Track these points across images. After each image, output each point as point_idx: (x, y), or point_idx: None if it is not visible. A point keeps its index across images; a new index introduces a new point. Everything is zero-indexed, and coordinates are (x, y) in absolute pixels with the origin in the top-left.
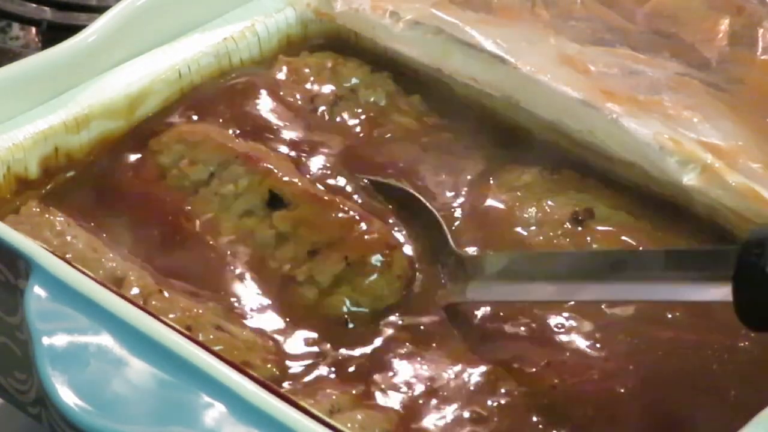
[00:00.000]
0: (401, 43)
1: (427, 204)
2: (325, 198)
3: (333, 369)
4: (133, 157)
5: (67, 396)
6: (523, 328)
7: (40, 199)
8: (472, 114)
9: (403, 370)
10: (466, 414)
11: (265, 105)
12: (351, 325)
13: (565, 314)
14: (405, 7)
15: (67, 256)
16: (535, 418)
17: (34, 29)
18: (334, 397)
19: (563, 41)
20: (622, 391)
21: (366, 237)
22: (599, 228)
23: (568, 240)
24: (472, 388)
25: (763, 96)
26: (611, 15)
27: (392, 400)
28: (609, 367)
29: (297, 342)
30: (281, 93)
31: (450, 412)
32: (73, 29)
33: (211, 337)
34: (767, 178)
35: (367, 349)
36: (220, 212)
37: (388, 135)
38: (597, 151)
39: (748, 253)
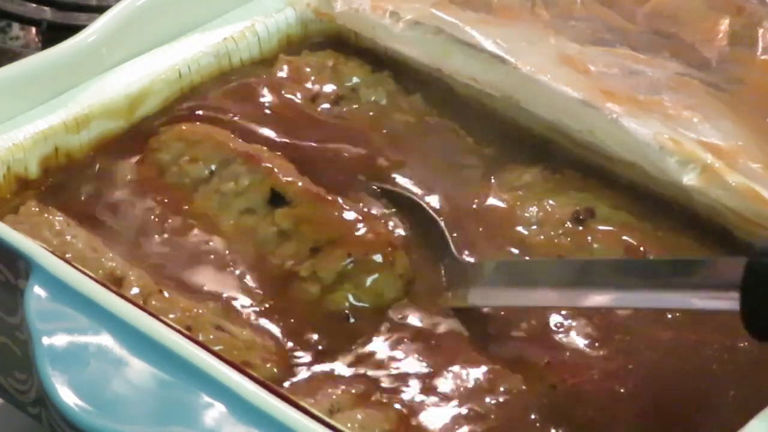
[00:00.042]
0: (401, 43)
1: (430, 210)
2: (328, 198)
3: (333, 368)
4: (133, 156)
5: (67, 396)
6: (523, 328)
7: (40, 199)
8: (472, 113)
9: (403, 369)
10: (466, 413)
11: (265, 104)
12: (352, 320)
13: (565, 314)
14: (405, 7)
15: (67, 255)
16: (534, 417)
17: (34, 29)
18: (334, 396)
19: (563, 41)
20: (622, 391)
21: (369, 236)
22: (600, 228)
23: (569, 239)
24: (471, 387)
25: (763, 96)
26: (611, 15)
27: (392, 400)
28: (609, 367)
29: (297, 341)
30: (282, 92)
31: (450, 411)
32: (73, 29)
33: (211, 337)
34: (767, 178)
35: (368, 349)
36: (221, 210)
37: (389, 134)
38: (597, 151)
39: (756, 263)
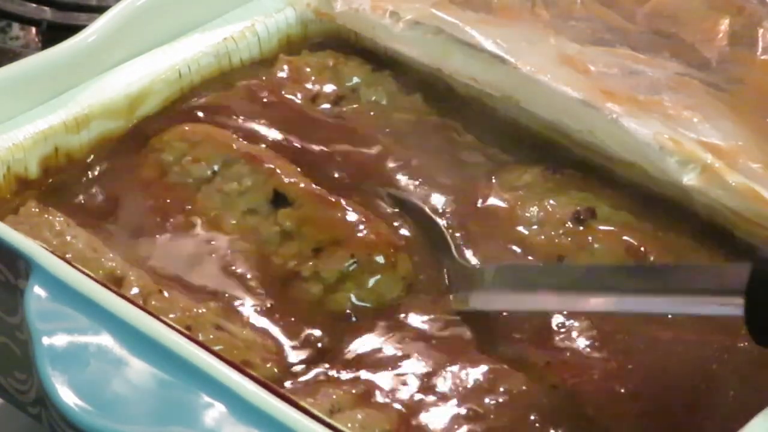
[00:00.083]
0: (401, 43)
1: (431, 214)
2: (331, 199)
3: (333, 368)
4: (134, 156)
5: (67, 396)
6: (523, 329)
7: (40, 199)
8: (472, 113)
9: (404, 369)
10: (467, 413)
11: (266, 105)
12: (354, 319)
13: (566, 315)
14: (405, 7)
15: (67, 255)
16: (534, 418)
17: (34, 29)
18: (334, 396)
19: (563, 41)
20: (622, 391)
21: (372, 237)
22: (601, 227)
23: (569, 239)
24: (472, 387)
25: (763, 96)
26: (611, 15)
27: (393, 400)
28: (609, 367)
29: (298, 341)
30: (282, 92)
31: (450, 411)
32: (73, 29)
33: (211, 336)
34: (767, 178)
35: (368, 348)
36: (223, 210)
37: (389, 134)
38: (597, 151)
39: (761, 269)
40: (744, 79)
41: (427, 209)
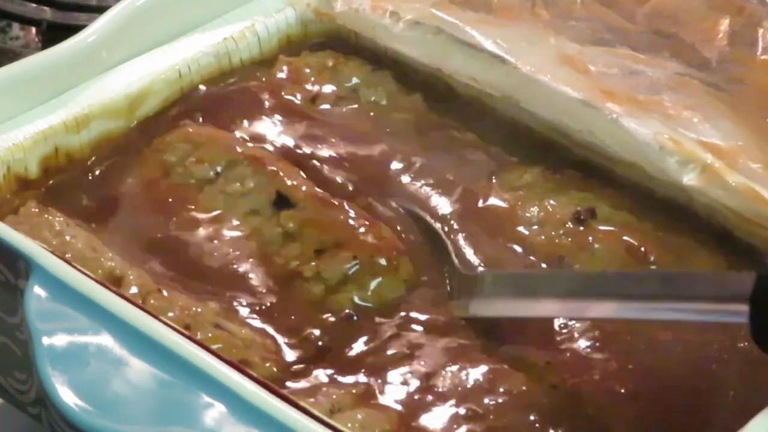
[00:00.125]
0: (401, 43)
1: (433, 223)
2: (334, 202)
3: (334, 368)
4: (135, 157)
5: (67, 396)
6: (523, 329)
7: (40, 199)
8: (472, 113)
9: (404, 369)
10: (466, 413)
11: (266, 106)
12: (355, 319)
13: None
14: (405, 7)
15: (67, 255)
16: (534, 418)
17: (34, 29)
18: (334, 396)
19: (563, 41)
20: (623, 391)
21: (374, 240)
22: (601, 228)
23: (570, 240)
24: (472, 387)
25: (763, 96)
26: (611, 15)
27: (393, 400)
28: (609, 367)
29: (298, 341)
30: (282, 93)
31: (450, 411)
32: (73, 29)
33: (210, 335)
34: (767, 178)
35: (369, 348)
36: (225, 210)
37: (390, 134)
38: (597, 151)
39: (766, 277)
40: (744, 79)
41: (428, 217)
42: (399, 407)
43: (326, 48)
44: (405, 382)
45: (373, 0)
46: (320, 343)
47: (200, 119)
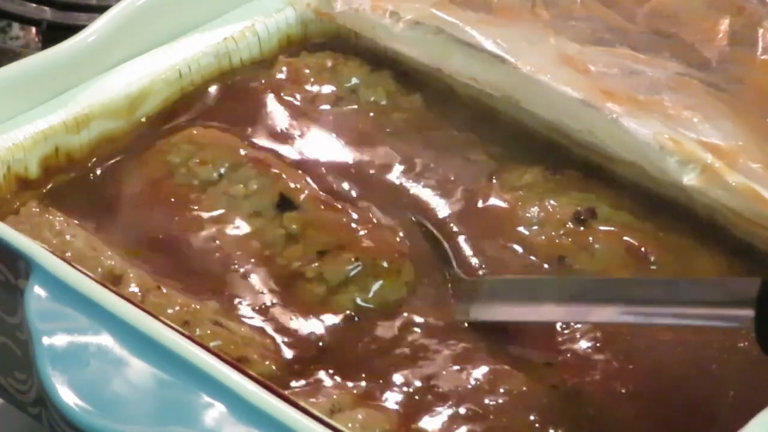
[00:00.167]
0: (401, 43)
1: (432, 229)
2: (337, 205)
3: (334, 368)
4: (136, 157)
5: (67, 396)
6: (524, 329)
7: (40, 200)
8: (472, 113)
9: (404, 369)
10: (467, 413)
11: (266, 108)
12: (356, 319)
13: None
14: (405, 7)
15: (67, 254)
16: (534, 418)
17: (34, 29)
18: (334, 396)
19: (563, 41)
20: (623, 391)
21: (377, 243)
22: (601, 228)
23: (570, 240)
24: (472, 387)
25: (763, 96)
26: (611, 15)
27: (393, 400)
28: (610, 367)
29: (298, 340)
30: (281, 94)
31: (451, 411)
32: (73, 29)
33: (208, 332)
34: (767, 178)
35: (369, 349)
36: (228, 211)
37: (390, 134)
38: (597, 151)
39: None
40: (744, 79)
41: (428, 223)
42: (399, 407)
43: (326, 48)
44: (405, 383)
45: (373, 0)
46: (321, 343)
47: (201, 121)
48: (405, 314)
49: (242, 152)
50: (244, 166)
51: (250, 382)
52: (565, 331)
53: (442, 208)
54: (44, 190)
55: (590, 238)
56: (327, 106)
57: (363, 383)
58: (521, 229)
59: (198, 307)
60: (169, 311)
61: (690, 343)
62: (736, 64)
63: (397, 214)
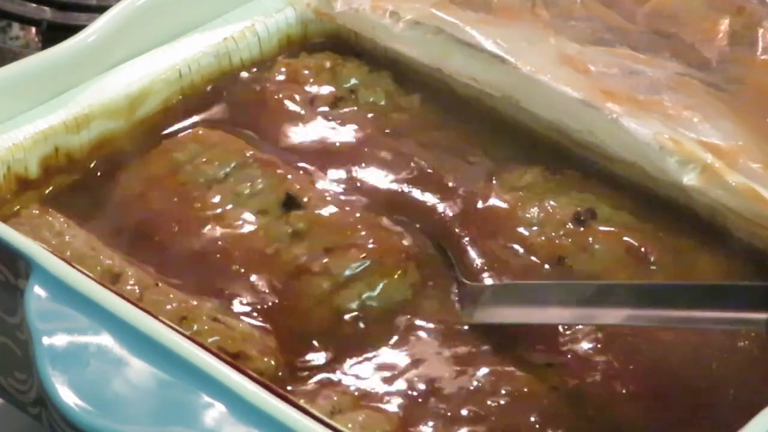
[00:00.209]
0: (401, 43)
1: (434, 239)
2: (345, 206)
3: (335, 369)
4: (137, 156)
5: (67, 396)
6: (525, 331)
7: (41, 201)
8: (473, 113)
9: (405, 371)
10: (468, 414)
11: (265, 109)
12: (358, 320)
13: None
14: (405, 7)
15: (66, 255)
16: (535, 419)
17: (34, 29)
18: (335, 397)
19: (563, 41)
20: (623, 391)
21: (384, 243)
22: (601, 228)
23: (570, 240)
24: (473, 388)
25: (763, 96)
26: (611, 15)
27: (394, 401)
28: (610, 367)
29: (299, 340)
30: (280, 96)
31: (451, 412)
32: (73, 29)
33: (206, 327)
34: (767, 178)
35: (370, 349)
36: (234, 209)
37: (389, 135)
38: (597, 151)
39: None
40: (744, 79)
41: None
42: (400, 409)
43: (326, 48)
44: (406, 384)
45: (373, 0)
46: (322, 342)
47: (200, 121)
48: (409, 316)
49: (248, 153)
50: (250, 166)
51: (250, 382)
52: (566, 333)
53: (441, 208)
54: (45, 191)
55: (590, 239)
56: (326, 108)
57: (364, 384)
58: (521, 229)
59: (195, 303)
60: (168, 307)
61: (690, 343)
62: (736, 64)
63: (399, 216)
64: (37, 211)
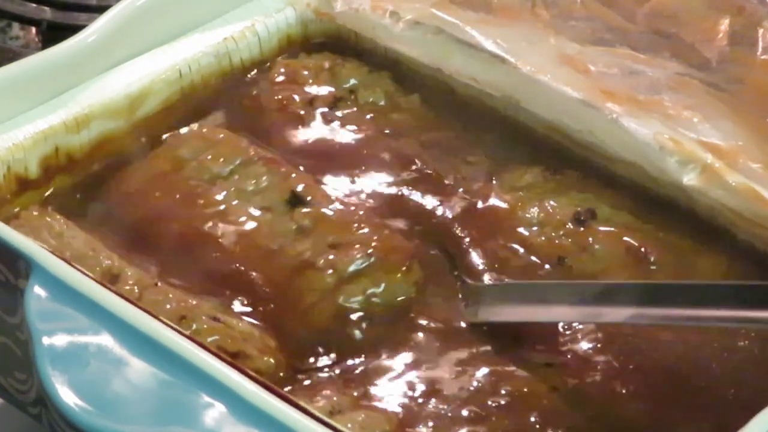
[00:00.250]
0: (401, 43)
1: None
2: (351, 206)
3: (335, 369)
4: (138, 156)
5: (67, 396)
6: (525, 331)
7: (41, 202)
8: (473, 114)
9: (406, 370)
10: (468, 414)
11: (264, 109)
12: (359, 320)
13: None
14: (405, 7)
15: (66, 255)
16: (535, 419)
17: (34, 29)
18: (335, 398)
19: (563, 41)
20: (623, 391)
21: (388, 241)
22: (601, 228)
23: (570, 240)
24: (473, 388)
25: (763, 96)
26: (611, 15)
27: (393, 401)
28: (610, 367)
29: (299, 340)
30: (280, 96)
31: (452, 412)
32: (73, 29)
33: (205, 326)
34: (767, 178)
35: (371, 349)
36: (238, 205)
37: (389, 135)
38: (597, 151)
39: None
40: (744, 79)
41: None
42: (399, 408)
43: (326, 48)
44: (406, 384)
45: (373, 0)
46: (322, 342)
47: (199, 121)
48: (411, 315)
49: (252, 152)
50: (255, 164)
51: (250, 382)
52: (566, 333)
53: (441, 209)
54: (45, 192)
55: (590, 239)
56: (325, 108)
57: (364, 384)
58: (521, 229)
59: (195, 302)
60: (167, 307)
61: (690, 342)
62: (736, 64)
63: (400, 217)
64: (37, 213)
